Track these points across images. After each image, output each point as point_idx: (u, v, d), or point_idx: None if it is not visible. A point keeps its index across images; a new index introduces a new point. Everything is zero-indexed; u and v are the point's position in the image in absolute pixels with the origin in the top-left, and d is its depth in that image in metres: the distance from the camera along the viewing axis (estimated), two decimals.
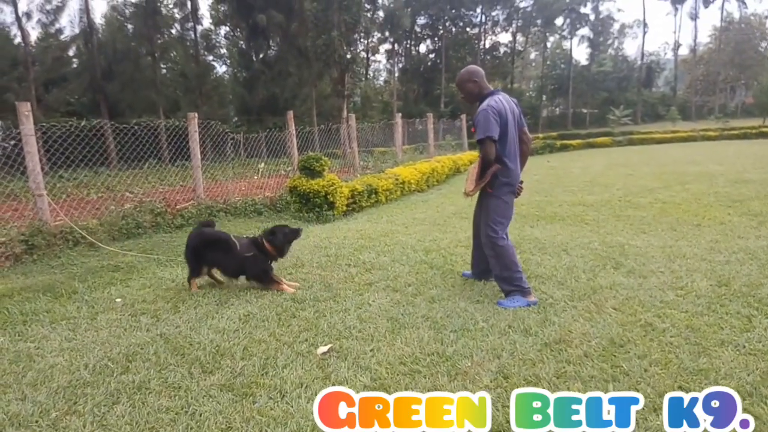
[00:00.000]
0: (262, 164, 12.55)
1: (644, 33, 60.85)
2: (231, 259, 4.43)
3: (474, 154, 18.75)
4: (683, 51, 67.22)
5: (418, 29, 57.90)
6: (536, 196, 9.67)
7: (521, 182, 4.08)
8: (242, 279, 4.58)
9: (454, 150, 20.22)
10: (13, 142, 7.20)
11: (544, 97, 64.08)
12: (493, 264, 4.03)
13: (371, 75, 57.95)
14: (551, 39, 64.98)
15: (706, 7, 59.43)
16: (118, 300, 4.27)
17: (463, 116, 24.23)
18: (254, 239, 4.58)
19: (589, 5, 60.04)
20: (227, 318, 3.73)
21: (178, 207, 7.87)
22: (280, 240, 4.49)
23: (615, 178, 12.27)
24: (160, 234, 7.08)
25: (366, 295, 4.15)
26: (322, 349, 3.15)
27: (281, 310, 3.87)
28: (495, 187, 3.89)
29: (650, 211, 7.60)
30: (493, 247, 3.97)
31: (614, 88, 60.43)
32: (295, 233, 4.64)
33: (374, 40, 51.95)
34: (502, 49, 60.91)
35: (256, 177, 11.72)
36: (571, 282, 4.32)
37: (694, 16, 61.02)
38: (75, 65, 33.08)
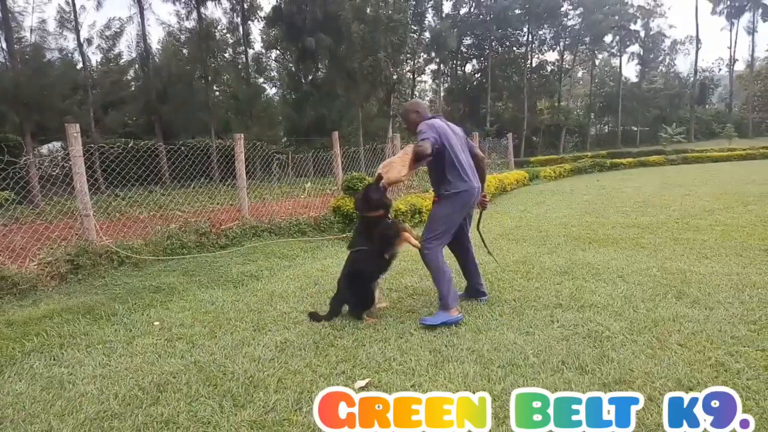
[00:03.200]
0: (309, 184, 12.61)
1: (697, 49, 58.66)
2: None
3: (521, 173, 18.42)
4: (739, 66, 64.58)
5: (464, 49, 57.83)
6: (587, 217, 9.27)
7: (484, 195, 4.48)
8: None
9: (500, 168, 19.84)
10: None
11: (592, 115, 62.69)
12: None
13: (417, 95, 58.07)
14: (600, 57, 63.73)
15: (765, 20, 56.94)
16: (156, 323, 4.20)
17: (509, 135, 23.85)
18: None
19: (639, 22, 58.80)
20: (263, 345, 3.59)
21: (222, 227, 7.88)
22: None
23: (671, 198, 11.67)
24: (204, 254, 7.07)
25: (407, 323, 3.95)
26: (360, 383, 2.96)
27: (319, 337, 3.71)
28: (441, 196, 4.14)
29: (711, 234, 7.10)
30: (427, 257, 4.06)
31: (666, 106, 58.72)
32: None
33: (420, 60, 52.14)
34: (549, 68, 60.15)
35: (302, 196, 11.75)
36: (629, 313, 3.98)
37: (751, 30, 58.69)
38: (132, 88, 34.65)
